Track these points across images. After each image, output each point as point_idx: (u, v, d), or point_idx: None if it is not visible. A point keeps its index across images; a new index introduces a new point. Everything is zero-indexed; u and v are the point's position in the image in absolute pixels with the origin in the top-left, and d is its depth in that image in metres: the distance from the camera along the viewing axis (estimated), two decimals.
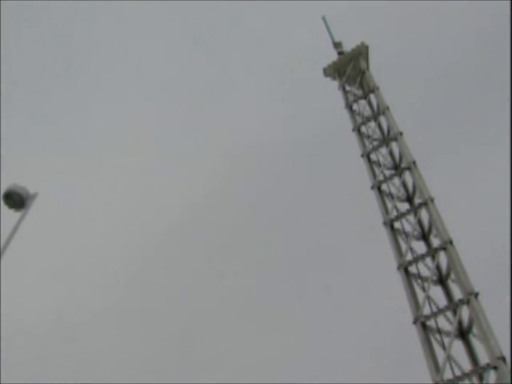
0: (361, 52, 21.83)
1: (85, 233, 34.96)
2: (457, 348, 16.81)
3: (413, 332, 16.65)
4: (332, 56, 22.79)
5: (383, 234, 18.24)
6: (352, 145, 20.01)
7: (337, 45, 23.12)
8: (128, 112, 39.19)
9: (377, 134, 20.15)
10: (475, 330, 16.05)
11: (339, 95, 21.77)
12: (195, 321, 32.24)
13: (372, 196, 18.85)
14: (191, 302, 32.34)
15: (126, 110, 39.47)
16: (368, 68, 21.90)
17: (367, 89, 21.32)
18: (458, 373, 15.49)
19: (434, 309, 16.78)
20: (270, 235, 34.11)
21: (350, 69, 21.85)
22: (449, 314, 16.73)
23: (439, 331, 16.57)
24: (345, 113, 21.09)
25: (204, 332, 31.65)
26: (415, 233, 17.99)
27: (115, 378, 25.97)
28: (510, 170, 27.06)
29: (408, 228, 18.05)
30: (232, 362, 29.94)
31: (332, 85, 22.38)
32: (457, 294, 16.78)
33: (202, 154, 37.27)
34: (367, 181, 19.10)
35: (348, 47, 22.68)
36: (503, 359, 14.73)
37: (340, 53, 22.65)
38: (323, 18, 23.75)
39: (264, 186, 35.69)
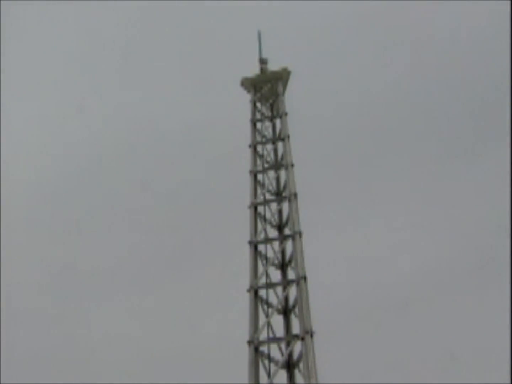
0: (282, 77, 22.16)
1: None
2: (282, 378, 17.51)
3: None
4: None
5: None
6: (244, 160, 20.35)
7: (262, 61, 23.36)
8: None
9: (271, 158, 20.65)
10: (301, 366, 16.73)
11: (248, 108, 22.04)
12: None
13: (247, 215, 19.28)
14: None
15: None
16: (283, 94, 22.25)
17: (276, 113, 21.75)
18: None
19: (271, 336, 17.42)
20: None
21: (267, 89, 22.20)
22: (283, 345, 17.42)
23: (269, 358, 17.20)
24: (248, 127, 21.38)
25: None
26: (275, 261, 18.59)
27: None
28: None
29: (270, 254, 18.61)
30: None
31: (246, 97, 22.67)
32: (296, 328, 17.50)
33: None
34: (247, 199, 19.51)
35: (279, 66, 22.84)
36: None
37: (262, 70, 22.97)
38: (258, 32, 24.01)
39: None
